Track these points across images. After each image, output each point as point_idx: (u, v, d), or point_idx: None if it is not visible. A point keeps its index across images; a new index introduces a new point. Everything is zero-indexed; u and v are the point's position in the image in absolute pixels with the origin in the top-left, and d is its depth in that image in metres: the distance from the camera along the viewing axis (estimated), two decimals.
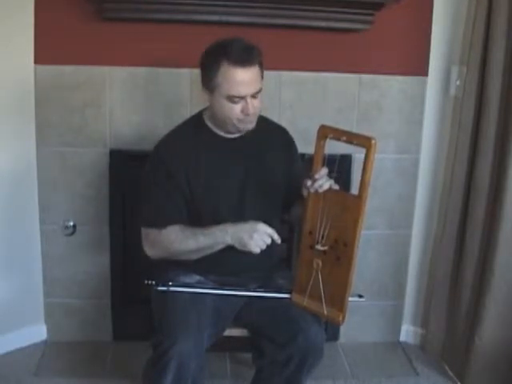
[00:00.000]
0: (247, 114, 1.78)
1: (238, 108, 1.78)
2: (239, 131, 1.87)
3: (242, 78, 1.74)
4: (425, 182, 2.57)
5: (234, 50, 1.74)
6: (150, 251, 1.89)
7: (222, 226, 1.80)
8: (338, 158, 1.78)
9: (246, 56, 1.74)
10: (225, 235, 1.79)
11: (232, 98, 1.76)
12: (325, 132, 1.68)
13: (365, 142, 1.62)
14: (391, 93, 2.47)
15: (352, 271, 1.69)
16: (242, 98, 1.76)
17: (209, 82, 1.79)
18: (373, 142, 1.60)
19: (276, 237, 1.77)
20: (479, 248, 2.32)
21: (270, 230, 1.76)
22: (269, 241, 1.76)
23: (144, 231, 1.90)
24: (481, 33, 2.19)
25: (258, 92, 1.79)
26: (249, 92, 1.76)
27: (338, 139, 1.65)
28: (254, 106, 1.79)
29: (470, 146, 2.31)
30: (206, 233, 1.80)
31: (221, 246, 1.82)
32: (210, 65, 1.78)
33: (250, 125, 1.84)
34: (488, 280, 2.24)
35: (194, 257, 1.85)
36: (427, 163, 2.55)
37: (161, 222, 1.85)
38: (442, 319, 2.51)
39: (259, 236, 1.74)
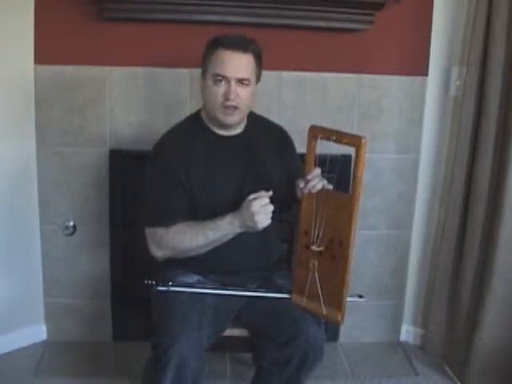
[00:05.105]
0: (227, 99, 1.77)
1: (220, 90, 1.78)
2: (222, 124, 1.86)
3: (229, 59, 1.77)
4: (425, 182, 2.57)
5: (228, 37, 1.79)
6: (158, 252, 1.87)
7: (227, 219, 1.78)
8: (339, 158, 1.78)
9: (238, 42, 1.78)
10: (233, 227, 1.79)
11: (216, 77, 1.77)
12: (315, 132, 1.69)
13: (355, 141, 1.61)
14: (391, 93, 2.47)
15: (348, 270, 1.69)
16: (226, 79, 1.77)
17: (203, 67, 1.83)
18: (363, 141, 1.59)
19: (269, 195, 1.75)
20: (479, 248, 2.32)
21: (262, 202, 1.73)
22: (270, 209, 1.74)
23: (149, 231, 1.87)
24: (481, 33, 2.19)
25: (244, 79, 1.79)
26: (234, 74, 1.77)
27: (328, 139, 1.65)
28: (238, 94, 1.78)
29: (469, 146, 2.31)
30: (214, 227, 1.79)
31: (231, 236, 1.82)
32: (205, 52, 1.82)
33: (231, 118, 1.83)
34: (488, 280, 2.24)
35: (204, 251, 1.84)
36: (427, 163, 2.55)
37: (167, 221, 1.84)
38: (442, 319, 2.51)
39: (261, 215, 1.73)
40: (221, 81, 1.78)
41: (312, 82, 2.43)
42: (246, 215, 1.75)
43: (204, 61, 1.83)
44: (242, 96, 1.80)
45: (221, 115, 1.82)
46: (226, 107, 1.80)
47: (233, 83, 1.77)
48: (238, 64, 1.78)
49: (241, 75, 1.78)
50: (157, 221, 1.86)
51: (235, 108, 1.81)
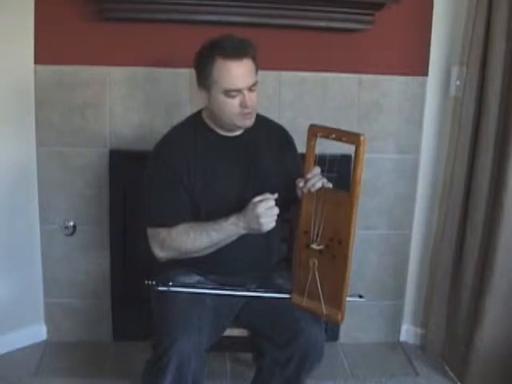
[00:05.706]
0: (246, 107, 1.78)
1: (236, 102, 1.78)
2: (238, 128, 1.87)
3: (236, 71, 1.76)
4: (425, 182, 2.57)
5: (226, 44, 1.76)
6: (161, 253, 1.86)
7: (231, 220, 1.78)
8: (338, 158, 1.78)
9: (238, 49, 1.76)
10: (238, 229, 1.79)
11: (229, 93, 1.77)
12: (314, 131, 1.69)
13: (354, 138, 1.62)
14: (391, 93, 2.47)
15: (348, 269, 1.69)
16: (239, 91, 1.77)
17: (205, 80, 1.80)
18: (362, 138, 1.60)
19: (274, 198, 1.74)
20: (479, 248, 2.32)
21: (268, 204, 1.73)
22: (275, 211, 1.73)
23: (151, 232, 1.87)
24: (481, 33, 2.20)
25: (254, 85, 1.79)
26: (245, 84, 1.77)
27: (327, 137, 1.66)
28: (252, 100, 1.79)
29: (470, 146, 2.31)
30: (217, 228, 1.79)
31: (235, 238, 1.82)
32: (204, 63, 1.79)
33: (249, 121, 1.84)
34: (488, 280, 2.24)
35: (207, 252, 1.84)
36: (427, 163, 2.55)
37: (169, 221, 1.83)
38: (442, 319, 2.51)
39: (266, 218, 1.73)
40: (235, 95, 1.77)
41: (312, 82, 2.43)
42: (251, 217, 1.74)
43: (204, 72, 1.79)
44: (254, 100, 1.81)
45: (240, 122, 1.83)
46: (245, 114, 1.80)
47: (246, 92, 1.78)
48: (245, 72, 1.77)
49: (250, 82, 1.78)
50: (159, 221, 1.85)
51: (251, 110, 1.82)
